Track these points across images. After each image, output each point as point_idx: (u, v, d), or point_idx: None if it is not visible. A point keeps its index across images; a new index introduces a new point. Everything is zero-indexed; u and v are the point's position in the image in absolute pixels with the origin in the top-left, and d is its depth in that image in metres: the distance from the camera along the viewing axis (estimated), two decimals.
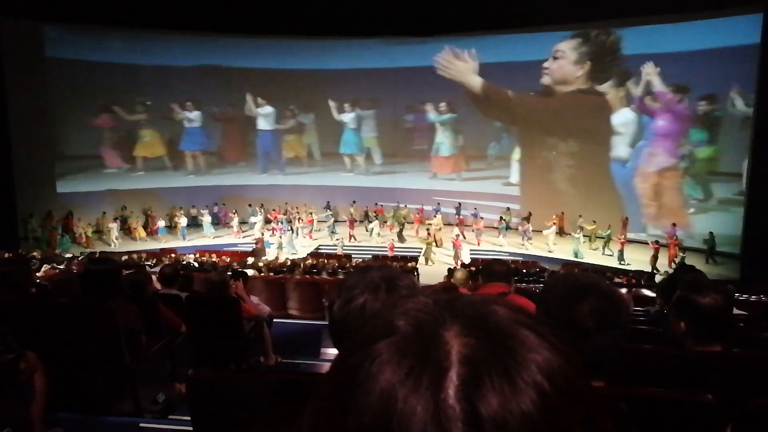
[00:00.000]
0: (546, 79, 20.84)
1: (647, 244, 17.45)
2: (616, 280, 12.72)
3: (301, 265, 12.80)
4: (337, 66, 23.15)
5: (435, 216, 20.99)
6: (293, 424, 0.46)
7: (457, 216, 21.60)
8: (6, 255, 10.28)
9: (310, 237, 21.28)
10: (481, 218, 20.48)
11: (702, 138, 18.33)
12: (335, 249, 19.40)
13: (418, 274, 12.91)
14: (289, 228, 20.70)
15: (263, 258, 16.00)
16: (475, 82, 22.12)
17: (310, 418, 0.43)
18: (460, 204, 22.12)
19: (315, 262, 14.33)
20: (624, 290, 8.14)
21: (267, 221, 21.47)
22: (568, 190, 21.06)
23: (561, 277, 1.42)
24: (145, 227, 21.17)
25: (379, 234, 20.72)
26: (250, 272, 9.01)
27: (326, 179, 24.14)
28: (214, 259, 14.66)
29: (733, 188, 17.73)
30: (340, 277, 10.36)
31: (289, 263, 13.44)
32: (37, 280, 5.84)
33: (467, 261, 16.66)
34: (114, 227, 19.88)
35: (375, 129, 24.21)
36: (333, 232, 21.13)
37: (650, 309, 4.22)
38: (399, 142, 24.18)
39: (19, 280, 3.72)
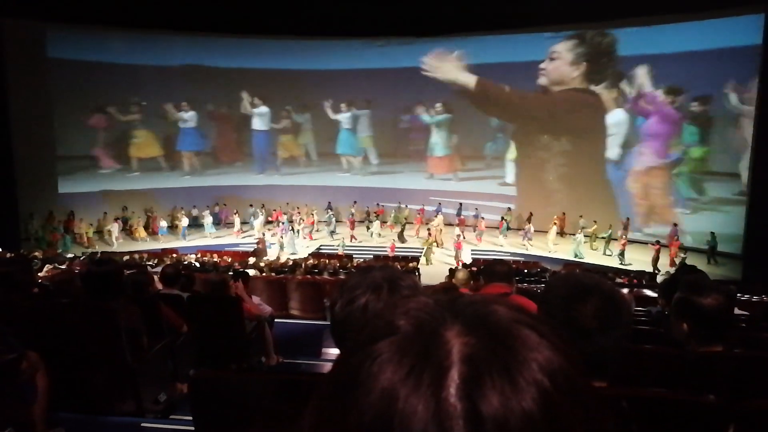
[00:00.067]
0: (542, 80, 21.00)
1: (647, 244, 17.45)
2: (618, 280, 12.70)
3: (303, 265, 12.80)
4: (334, 66, 23.19)
5: (436, 216, 21.01)
6: (294, 424, 0.46)
7: (458, 216, 21.62)
8: (8, 255, 10.30)
9: (311, 237, 21.29)
10: (482, 218, 20.49)
11: (694, 138, 18.48)
12: (336, 249, 19.41)
13: (419, 275, 12.90)
14: (290, 228, 20.72)
15: (264, 258, 16.01)
16: (468, 79, 22.18)
17: (311, 417, 0.43)
18: (461, 204, 22.14)
19: (316, 262, 14.34)
20: (625, 290, 8.13)
21: (268, 221, 21.49)
22: (562, 189, 21.18)
23: (562, 277, 1.42)
24: (146, 227, 21.21)
25: (379, 234, 20.74)
26: (251, 272, 9.01)
27: (323, 180, 24.17)
28: (215, 259, 14.67)
29: (725, 188, 17.86)
30: (342, 277, 10.36)
31: (290, 263, 13.44)
32: (39, 280, 5.85)
33: (468, 261, 16.64)
34: (115, 227, 19.91)
35: (371, 129, 24.23)
36: (333, 232, 21.14)
37: (652, 309, 4.21)
38: (395, 142, 24.22)
39: (20, 281, 3.73)
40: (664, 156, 19.16)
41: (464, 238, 19.27)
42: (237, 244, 20.16)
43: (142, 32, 20.90)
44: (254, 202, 22.40)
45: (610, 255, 18.41)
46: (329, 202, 22.67)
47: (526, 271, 14.21)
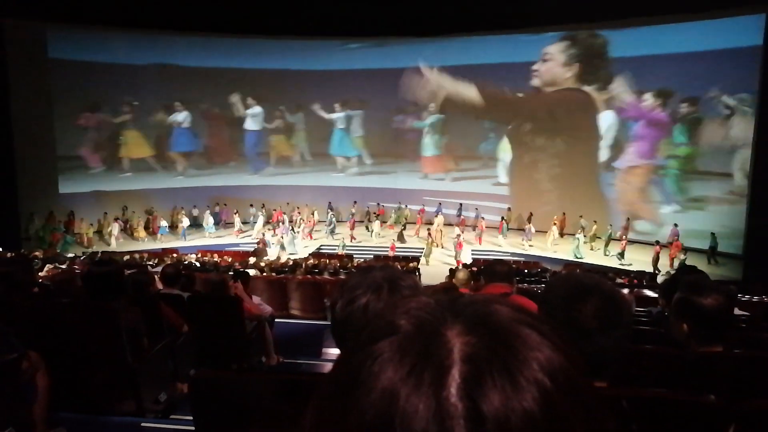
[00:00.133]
0: (535, 81, 21.16)
1: (647, 244, 17.45)
2: (618, 280, 12.70)
3: (303, 265, 12.79)
4: (328, 67, 23.20)
5: (436, 216, 21.03)
6: (295, 424, 0.46)
7: (458, 216, 21.62)
8: (8, 255, 10.31)
9: (310, 237, 21.29)
10: (482, 219, 20.50)
11: (683, 139, 18.63)
12: (336, 249, 19.41)
13: (419, 275, 12.90)
14: (291, 228, 20.73)
15: (265, 258, 16.01)
16: (470, 92, 22.24)
17: (312, 417, 0.43)
18: (461, 205, 22.15)
19: (317, 262, 14.33)
20: (626, 291, 8.13)
21: (268, 221, 21.50)
22: (555, 189, 21.29)
23: (563, 277, 1.42)
24: (146, 228, 21.21)
25: (379, 234, 20.74)
26: (252, 272, 9.01)
27: (318, 180, 24.16)
28: (215, 259, 14.66)
29: (716, 187, 17.97)
30: (342, 277, 10.35)
31: (290, 263, 13.44)
32: (40, 280, 5.86)
33: (468, 261, 16.64)
34: (115, 227, 19.92)
35: (364, 129, 24.26)
36: (333, 232, 21.15)
37: (652, 309, 4.21)
38: (389, 142, 24.24)
39: (21, 280, 3.73)
40: (648, 157, 19.45)
41: (463, 238, 19.26)
42: (237, 244, 20.17)
43: (135, 33, 20.88)
44: (251, 202, 22.39)
45: (608, 255, 18.41)
46: (330, 203, 22.67)
47: (526, 271, 14.20)
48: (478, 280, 5.16)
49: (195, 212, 22.18)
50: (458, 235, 18.58)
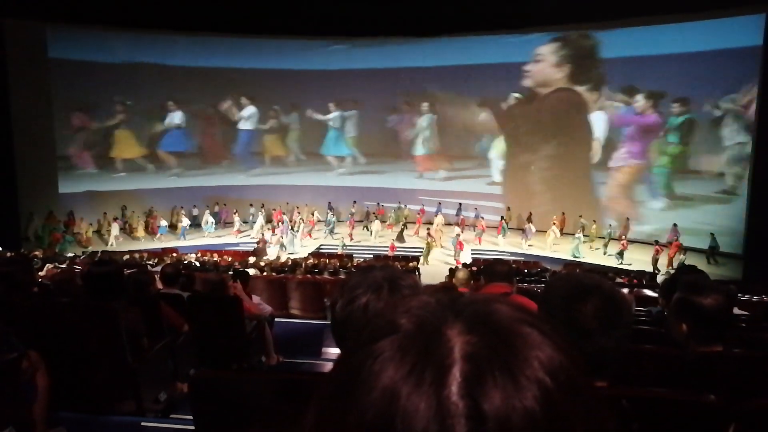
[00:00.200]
0: (527, 82, 21.24)
1: (647, 244, 17.46)
2: (618, 280, 12.70)
3: (303, 264, 12.80)
4: (323, 66, 23.18)
5: (436, 216, 21.04)
6: (295, 424, 0.46)
7: (457, 216, 21.62)
8: (8, 255, 10.31)
9: (310, 236, 21.29)
10: (482, 218, 20.50)
11: (675, 139, 18.74)
12: (336, 249, 19.41)
13: (419, 274, 12.91)
14: (291, 228, 20.73)
15: (265, 258, 16.01)
16: (480, 117, 22.47)
17: (312, 417, 0.43)
18: (460, 204, 22.16)
19: (316, 261, 14.33)
20: (626, 290, 8.13)
21: (268, 221, 21.49)
22: (546, 190, 21.40)
23: (563, 277, 1.42)
24: (145, 227, 21.20)
25: (379, 234, 20.74)
26: (251, 272, 9.01)
27: (313, 179, 24.14)
28: (215, 259, 14.66)
29: (708, 186, 18.07)
30: (342, 276, 10.36)
31: (290, 263, 13.44)
32: (39, 280, 5.85)
33: (468, 261, 16.64)
34: (115, 227, 19.91)
35: (358, 129, 24.25)
36: (333, 232, 21.14)
37: (652, 309, 4.21)
38: (384, 141, 24.25)
39: (21, 280, 3.72)
40: (637, 156, 19.63)
41: (463, 238, 19.26)
42: (237, 244, 20.17)
43: (133, 33, 20.85)
44: (250, 202, 22.36)
45: (606, 255, 18.42)
46: (329, 202, 22.66)
47: (526, 271, 14.20)
48: (478, 280, 5.16)
49: (195, 212, 22.16)
50: (458, 235, 18.58)
